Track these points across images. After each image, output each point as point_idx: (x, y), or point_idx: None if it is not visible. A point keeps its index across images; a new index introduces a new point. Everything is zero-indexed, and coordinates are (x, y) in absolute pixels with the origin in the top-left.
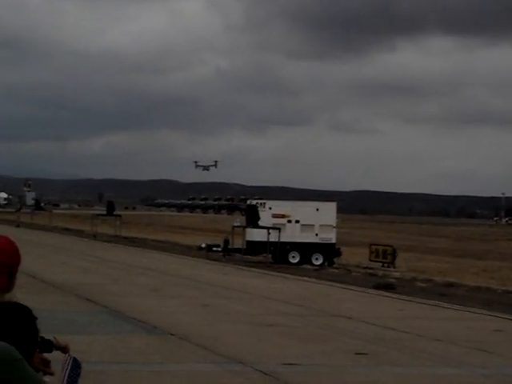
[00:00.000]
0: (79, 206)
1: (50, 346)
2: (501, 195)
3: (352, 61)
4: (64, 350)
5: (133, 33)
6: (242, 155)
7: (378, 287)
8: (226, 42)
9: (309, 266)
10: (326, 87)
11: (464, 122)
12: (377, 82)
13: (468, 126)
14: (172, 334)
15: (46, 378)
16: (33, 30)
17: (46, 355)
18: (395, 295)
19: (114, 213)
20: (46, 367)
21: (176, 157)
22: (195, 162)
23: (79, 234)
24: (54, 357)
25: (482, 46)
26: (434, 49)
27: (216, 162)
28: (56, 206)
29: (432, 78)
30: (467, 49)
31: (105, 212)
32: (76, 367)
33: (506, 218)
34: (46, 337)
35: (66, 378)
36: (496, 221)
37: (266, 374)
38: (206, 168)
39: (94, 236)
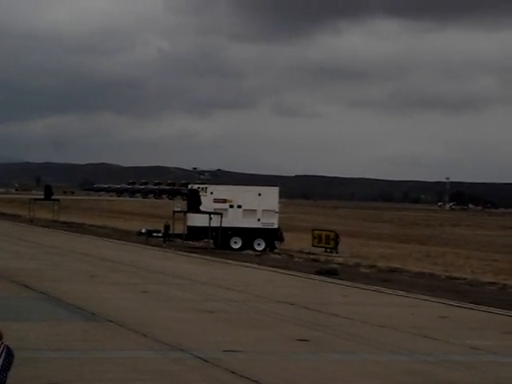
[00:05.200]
0: (16, 190)
1: None
2: (445, 180)
3: (296, 44)
4: None
5: (75, 13)
6: (183, 139)
7: (320, 273)
8: (169, 23)
9: (251, 252)
10: (269, 70)
11: (409, 106)
12: (321, 66)
13: (413, 111)
14: (111, 321)
15: None
16: None
17: None
18: (338, 281)
19: (52, 197)
20: None
21: (117, 140)
22: (194, 169)
23: (16, 218)
24: None
25: (428, 29)
26: (379, 32)
27: (219, 170)
28: None
29: (377, 61)
30: (413, 32)
31: (42, 196)
32: (8, 355)
33: (450, 204)
34: None
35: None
36: (440, 206)
37: (206, 361)
38: (202, 174)
39: (32, 221)
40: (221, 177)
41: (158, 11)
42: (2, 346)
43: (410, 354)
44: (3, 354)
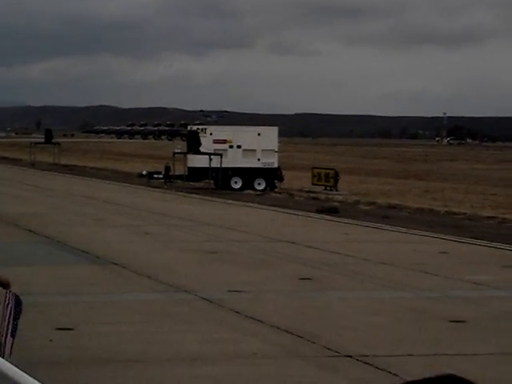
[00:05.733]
0: (16, 134)
1: None
2: (442, 115)
3: None
4: (6, 285)
5: None
6: (182, 79)
7: (321, 211)
8: None
9: (251, 192)
10: (267, 8)
11: (407, 42)
12: (320, 3)
13: (411, 47)
14: (115, 264)
15: None
16: None
17: None
18: (339, 219)
19: (53, 141)
20: None
21: (116, 82)
22: (201, 111)
23: (17, 162)
24: None
25: None
26: None
27: (225, 111)
28: None
29: None
30: None
31: (43, 140)
32: (17, 304)
33: (448, 138)
34: None
35: (9, 314)
36: (438, 141)
37: (211, 302)
38: (208, 116)
39: (33, 164)
40: (227, 118)
41: None
42: (10, 295)
43: (412, 291)
44: (12, 302)
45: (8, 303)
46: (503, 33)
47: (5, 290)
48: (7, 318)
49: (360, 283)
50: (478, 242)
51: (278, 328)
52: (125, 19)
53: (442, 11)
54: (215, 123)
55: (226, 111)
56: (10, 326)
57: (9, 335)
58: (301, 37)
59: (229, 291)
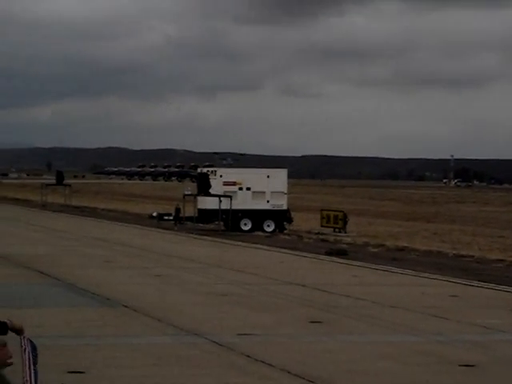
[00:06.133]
0: (28, 175)
1: (4, 328)
2: (450, 157)
3: (300, 25)
4: (19, 331)
5: (82, 0)
6: (191, 121)
7: (330, 253)
8: (174, 8)
9: (261, 233)
10: (274, 52)
11: (412, 84)
12: (325, 46)
13: (417, 89)
14: (125, 306)
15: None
16: None
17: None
18: (348, 261)
19: (64, 182)
20: (3, 355)
21: (125, 124)
22: (215, 153)
23: (28, 203)
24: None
25: (428, 8)
26: (382, 12)
27: (241, 154)
28: (4, 175)
29: (380, 41)
30: (414, 12)
31: (54, 181)
32: (33, 349)
33: (455, 180)
34: (1, 319)
35: (28, 360)
36: (445, 183)
37: (221, 345)
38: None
39: (44, 206)
40: (242, 161)
41: None
42: (25, 340)
43: (422, 334)
44: (29, 347)
45: (25, 348)
46: (508, 76)
47: (19, 336)
48: (27, 363)
49: (370, 326)
50: (487, 285)
51: (289, 372)
52: (133, 62)
53: (447, 54)
54: (230, 166)
55: (241, 154)
56: (33, 372)
57: (33, 381)
58: (308, 79)
59: (239, 334)
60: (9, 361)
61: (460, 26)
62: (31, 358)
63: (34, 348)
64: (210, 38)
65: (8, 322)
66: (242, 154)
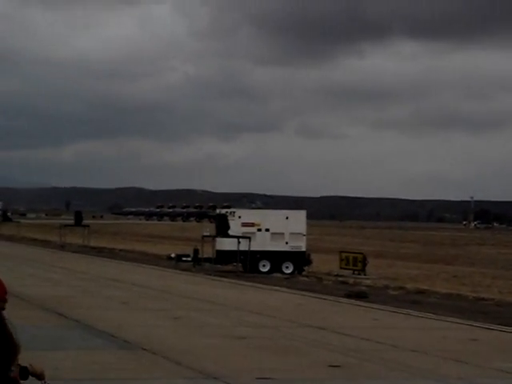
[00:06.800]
0: (46, 215)
1: (25, 372)
2: (469, 199)
3: (320, 67)
4: (40, 376)
5: (101, 39)
6: (209, 161)
7: (350, 296)
8: (194, 48)
9: (279, 275)
10: (294, 93)
11: (432, 126)
12: (344, 88)
13: (436, 131)
14: (144, 349)
15: None
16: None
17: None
18: (368, 304)
19: (82, 222)
20: None
21: (144, 164)
22: (244, 197)
23: (47, 244)
24: None
25: (448, 50)
26: (401, 54)
27: (270, 196)
28: (23, 215)
29: (400, 82)
30: (434, 54)
31: (73, 222)
32: None
33: (475, 222)
34: (22, 364)
35: None
36: (465, 225)
37: None
38: (253, 202)
39: (62, 246)
40: (271, 204)
41: (182, 36)
42: None
43: (442, 379)
44: None
45: None
46: None
47: (40, 382)
48: None
49: (390, 371)
50: (507, 328)
51: None
52: (152, 102)
53: (467, 95)
54: (259, 209)
55: (270, 196)
56: None
57: None
58: (327, 120)
59: (258, 378)
60: None
61: (481, 67)
62: None
63: None
64: (229, 79)
65: (29, 366)
66: (270, 196)
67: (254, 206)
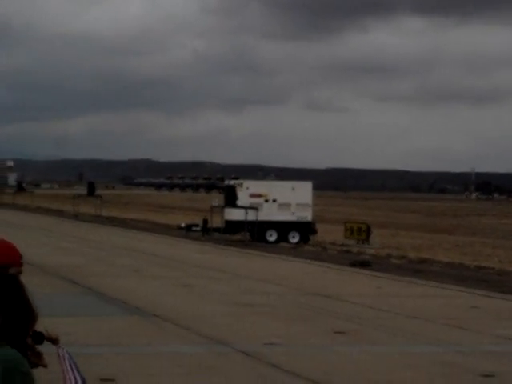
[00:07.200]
0: (60, 186)
1: (41, 337)
2: (470, 171)
3: (325, 42)
4: (55, 341)
5: (113, 16)
6: (218, 134)
7: (354, 265)
8: (203, 24)
9: (286, 244)
10: (300, 67)
11: (435, 100)
12: (350, 62)
13: (439, 104)
14: (155, 315)
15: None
16: (10, 15)
17: (38, 347)
18: (371, 272)
19: (95, 193)
20: (39, 360)
21: (154, 137)
22: (259, 170)
23: (61, 214)
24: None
25: (452, 25)
26: (405, 29)
27: (282, 169)
28: (37, 186)
29: (404, 57)
30: (438, 28)
31: (85, 192)
32: (71, 357)
33: (476, 193)
34: (38, 329)
35: (72, 368)
36: (466, 196)
37: (247, 355)
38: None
39: (76, 216)
40: (283, 176)
41: (192, 13)
42: (63, 350)
43: (444, 345)
44: (67, 355)
45: (67, 357)
46: None
47: (55, 346)
48: (70, 368)
49: (393, 337)
50: (507, 296)
51: (314, 381)
52: (162, 76)
53: (470, 70)
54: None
55: (282, 169)
56: (78, 376)
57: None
58: (333, 94)
59: (265, 344)
60: (41, 361)
61: (484, 42)
62: (73, 366)
63: (71, 356)
64: (238, 54)
65: (45, 331)
66: (282, 169)
67: (268, 178)
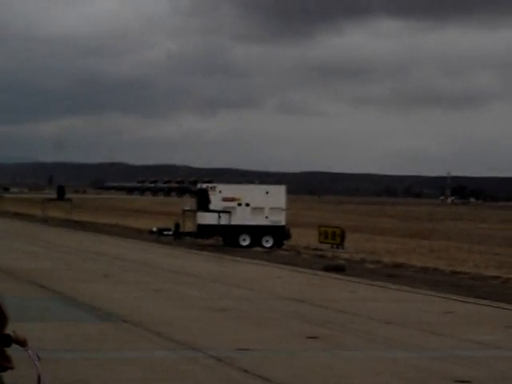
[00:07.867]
0: (29, 190)
1: (8, 340)
2: (446, 175)
3: (299, 44)
4: (23, 343)
5: (84, 16)
6: (191, 137)
7: (327, 269)
8: (175, 25)
9: (259, 249)
10: (273, 70)
11: (410, 103)
12: (324, 65)
13: (414, 108)
14: (125, 321)
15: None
16: None
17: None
18: (345, 277)
19: (65, 197)
20: (8, 362)
21: (126, 140)
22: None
23: (30, 218)
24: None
25: (427, 28)
26: (380, 32)
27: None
28: (6, 189)
29: (378, 60)
30: (413, 32)
31: (55, 196)
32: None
33: (452, 198)
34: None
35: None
36: (442, 200)
37: (219, 360)
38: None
39: (46, 220)
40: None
41: (164, 13)
42: (33, 353)
43: (418, 350)
44: (36, 358)
45: (34, 358)
46: (505, 95)
47: (23, 348)
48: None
49: (367, 342)
50: (482, 301)
51: None
52: (133, 78)
53: (446, 73)
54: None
55: (256, 172)
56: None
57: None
58: (306, 97)
59: (237, 349)
60: (8, 364)
61: (459, 45)
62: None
63: (39, 359)
64: (210, 55)
65: (12, 334)
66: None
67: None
